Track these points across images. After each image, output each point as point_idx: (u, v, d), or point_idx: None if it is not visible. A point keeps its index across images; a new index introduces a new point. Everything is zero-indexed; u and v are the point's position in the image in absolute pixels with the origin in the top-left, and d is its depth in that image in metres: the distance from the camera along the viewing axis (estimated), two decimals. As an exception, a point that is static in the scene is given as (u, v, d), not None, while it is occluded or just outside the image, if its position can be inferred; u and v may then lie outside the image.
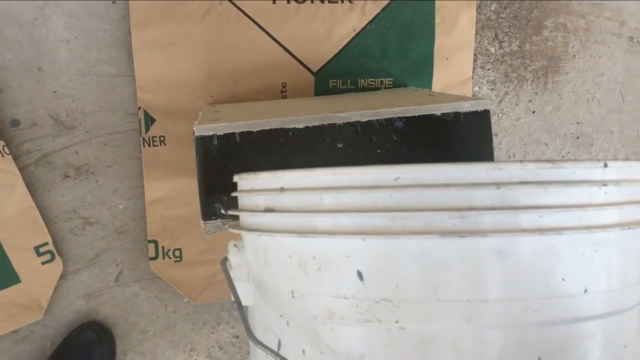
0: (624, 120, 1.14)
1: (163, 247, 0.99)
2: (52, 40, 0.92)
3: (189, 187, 0.98)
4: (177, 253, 1.00)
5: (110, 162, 0.97)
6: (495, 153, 1.10)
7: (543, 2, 1.06)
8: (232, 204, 0.80)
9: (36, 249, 0.95)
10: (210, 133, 0.68)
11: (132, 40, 0.93)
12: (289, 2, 0.96)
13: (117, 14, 0.93)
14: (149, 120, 0.96)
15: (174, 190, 0.98)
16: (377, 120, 0.99)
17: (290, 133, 0.95)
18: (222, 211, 0.73)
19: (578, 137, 1.13)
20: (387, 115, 0.68)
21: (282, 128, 0.70)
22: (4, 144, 0.91)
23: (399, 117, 1.00)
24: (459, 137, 0.93)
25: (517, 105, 1.09)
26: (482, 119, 0.75)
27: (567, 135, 1.12)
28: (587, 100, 1.12)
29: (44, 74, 0.93)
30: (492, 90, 1.08)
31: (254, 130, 0.68)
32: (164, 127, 0.96)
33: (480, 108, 0.69)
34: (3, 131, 0.92)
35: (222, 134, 0.68)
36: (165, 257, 0.99)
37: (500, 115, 1.09)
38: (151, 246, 0.99)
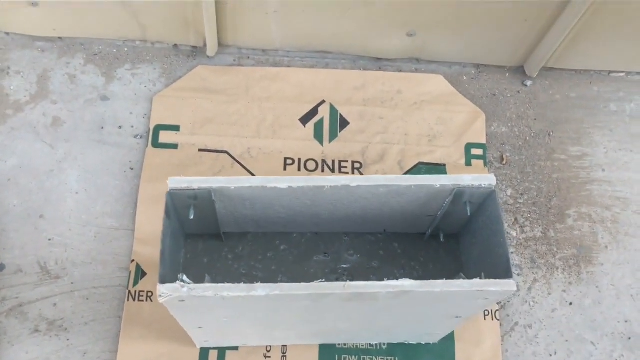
0: (680, 321, 0.98)
1: None
2: (62, 190, 0.93)
3: (170, 355, 0.85)
4: None
5: (87, 318, 0.87)
6: (533, 348, 0.94)
7: (562, 192, 1.04)
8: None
9: (-25, 414, 0.79)
10: (185, 185, 0.62)
11: (139, 192, 0.93)
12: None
13: (131, 172, 0.95)
14: (140, 274, 0.89)
15: (152, 355, 0.85)
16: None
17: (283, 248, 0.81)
18: (186, 281, 0.60)
19: (630, 338, 0.96)
20: (380, 182, 0.61)
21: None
22: (-20, 284, 0.85)
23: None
24: (470, 230, 0.80)
25: (550, 294, 0.97)
26: (489, 201, 0.66)
27: (616, 334, 0.96)
28: (631, 296, 0.99)
29: (45, 221, 0.91)
30: (518, 275, 0.98)
31: (232, 187, 0.61)
32: (155, 283, 0.88)
33: (484, 182, 0.61)
34: (-16, 274, 0.87)
35: (196, 188, 0.61)
36: None
37: (532, 304, 0.96)
38: None
